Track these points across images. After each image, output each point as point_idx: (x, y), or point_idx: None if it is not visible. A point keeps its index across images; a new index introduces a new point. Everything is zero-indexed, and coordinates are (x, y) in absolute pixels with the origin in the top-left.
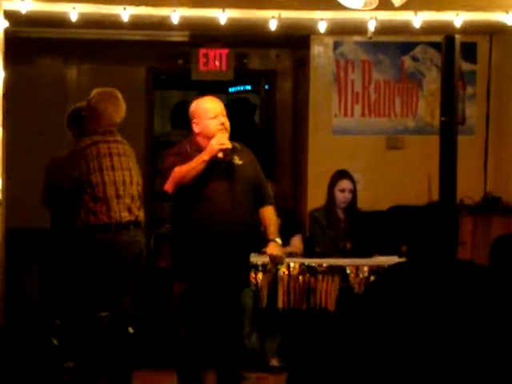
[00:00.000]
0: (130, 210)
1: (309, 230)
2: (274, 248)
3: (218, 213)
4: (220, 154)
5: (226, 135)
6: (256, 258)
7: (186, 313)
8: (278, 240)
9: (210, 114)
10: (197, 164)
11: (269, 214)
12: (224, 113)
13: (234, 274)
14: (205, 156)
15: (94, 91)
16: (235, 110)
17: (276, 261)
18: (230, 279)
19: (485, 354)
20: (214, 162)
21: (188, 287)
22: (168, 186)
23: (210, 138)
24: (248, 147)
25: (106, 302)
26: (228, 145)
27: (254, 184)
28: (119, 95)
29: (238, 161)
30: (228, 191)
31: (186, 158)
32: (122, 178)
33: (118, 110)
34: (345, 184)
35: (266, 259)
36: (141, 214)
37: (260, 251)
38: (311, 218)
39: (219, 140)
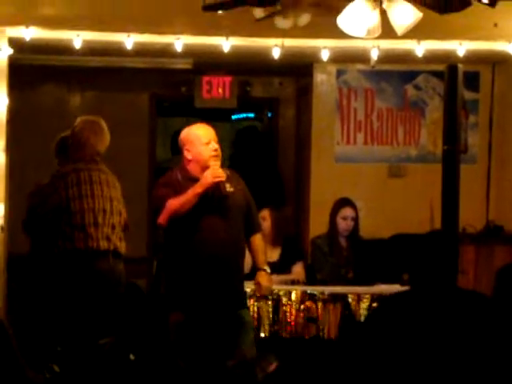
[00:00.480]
0: (108, 239)
1: (311, 258)
2: (262, 279)
3: (211, 241)
4: (219, 190)
5: (219, 163)
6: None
7: (182, 342)
8: (267, 269)
9: (203, 140)
10: (190, 197)
11: (258, 242)
12: (216, 139)
13: (228, 296)
14: (198, 189)
15: (79, 119)
16: (244, 138)
17: (262, 292)
18: (225, 301)
19: (486, 382)
20: (211, 194)
21: (183, 317)
22: (162, 220)
23: (202, 164)
24: (242, 172)
25: (81, 330)
26: (223, 177)
27: (244, 211)
28: (103, 124)
29: (229, 188)
30: (220, 219)
31: (176, 187)
32: (102, 206)
33: (102, 139)
34: (347, 212)
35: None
36: (121, 245)
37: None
38: (313, 246)
39: (213, 173)
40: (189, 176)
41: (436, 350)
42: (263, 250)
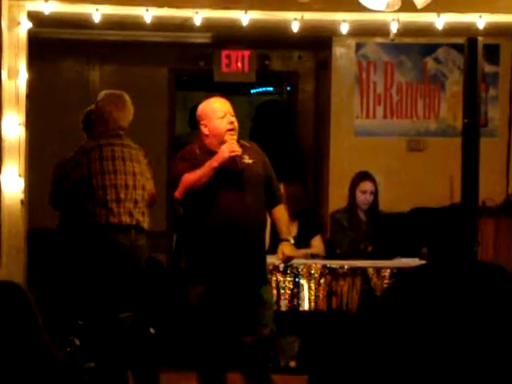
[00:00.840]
0: (131, 215)
1: (330, 232)
2: (285, 248)
3: (229, 215)
4: (235, 164)
5: (235, 137)
6: (276, 259)
7: (203, 316)
8: (291, 239)
9: (218, 114)
10: (207, 171)
11: (280, 213)
12: (232, 112)
13: (249, 272)
14: (215, 163)
15: (102, 93)
16: (265, 112)
17: (286, 261)
18: (246, 278)
19: (507, 356)
20: (224, 166)
21: (203, 291)
22: (178, 194)
23: (219, 138)
24: (262, 146)
25: (102, 304)
26: (239, 151)
27: (264, 183)
28: (126, 98)
29: (247, 160)
30: (238, 192)
31: (194, 161)
32: (125, 182)
33: (124, 114)
34: (366, 185)
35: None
36: (144, 219)
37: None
38: (332, 220)
39: (230, 147)
40: (206, 149)
41: (455, 323)
42: (286, 221)
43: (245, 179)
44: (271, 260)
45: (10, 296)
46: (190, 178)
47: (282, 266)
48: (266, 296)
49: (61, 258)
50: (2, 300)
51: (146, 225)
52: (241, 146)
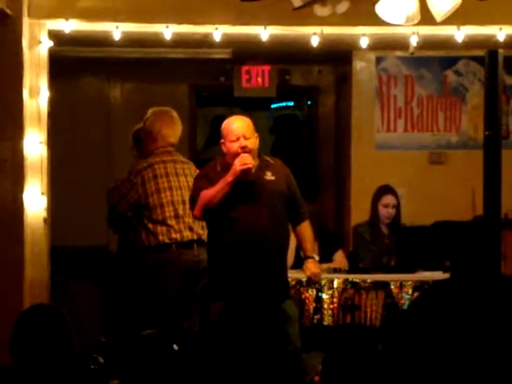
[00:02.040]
0: (191, 229)
1: (353, 246)
2: (311, 266)
3: (249, 231)
4: (246, 176)
5: (249, 156)
6: (298, 274)
7: (225, 332)
8: (316, 257)
9: (231, 137)
10: (222, 187)
11: (304, 230)
12: (248, 134)
13: (269, 287)
14: (229, 178)
15: (150, 111)
16: (283, 125)
17: (313, 279)
18: (267, 293)
19: None
20: (243, 181)
21: (223, 307)
22: (196, 211)
23: (232, 159)
24: (283, 161)
25: (154, 319)
26: (250, 164)
27: (287, 199)
28: (174, 114)
29: (270, 176)
30: (259, 209)
31: (214, 178)
32: (181, 198)
33: (174, 130)
34: (388, 199)
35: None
36: (204, 232)
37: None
38: (355, 233)
39: (241, 160)
40: (227, 166)
41: (481, 338)
42: (310, 238)
43: (265, 195)
44: (294, 275)
45: (51, 319)
46: (206, 194)
47: (306, 282)
48: (289, 311)
49: (116, 276)
50: (43, 323)
51: (206, 238)
52: (264, 162)
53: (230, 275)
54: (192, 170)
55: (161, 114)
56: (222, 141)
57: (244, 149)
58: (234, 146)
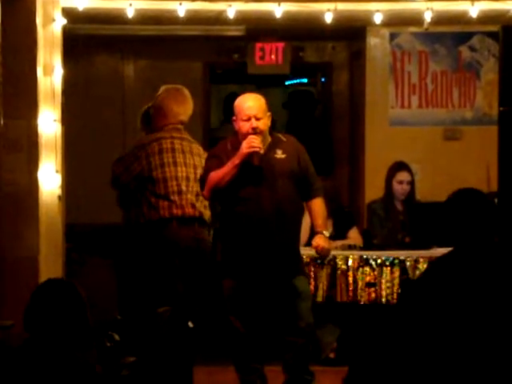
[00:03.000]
0: (193, 207)
1: (367, 222)
2: (319, 240)
3: (258, 211)
4: (252, 161)
5: (260, 139)
6: (313, 252)
7: (237, 309)
8: (325, 232)
9: (243, 117)
10: (229, 168)
11: (316, 206)
12: (260, 115)
13: (281, 263)
14: (236, 160)
15: (163, 88)
16: (296, 101)
17: (321, 253)
18: (278, 269)
19: None
20: (251, 161)
21: (235, 285)
22: (206, 192)
23: (242, 137)
24: (296, 138)
25: (165, 296)
26: (257, 148)
27: (298, 176)
28: (186, 92)
29: (280, 155)
30: (267, 188)
31: (224, 158)
32: (186, 174)
33: (185, 108)
34: (403, 176)
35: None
36: (206, 212)
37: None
38: (369, 210)
39: (249, 143)
40: (237, 146)
41: (491, 309)
42: (322, 214)
43: (275, 173)
44: (308, 252)
45: (66, 293)
46: (214, 176)
47: (317, 259)
48: (300, 287)
49: (125, 253)
50: (56, 297)
51: (207, 218)
52: (275, 139)
53: (239, 253)
54: (200, 150)
55: (173, 92)
56: (234, 118)
57: (255, 130)
58: (246, 126)
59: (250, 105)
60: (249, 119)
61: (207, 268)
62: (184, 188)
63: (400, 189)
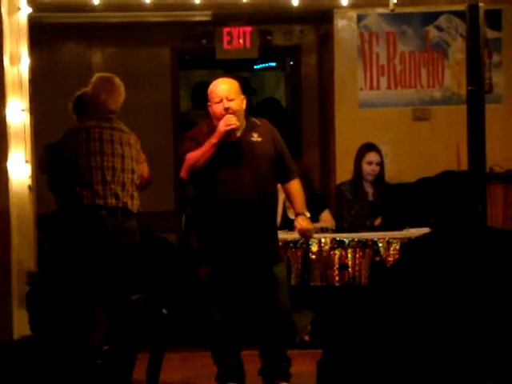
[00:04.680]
0: (117, 197)
1: (335, 205)
2: (302, 221)
3: (237, 193)
4: (238, 134)
5: (235, 118)
6: (286, 235)
7: (214, 295)
8: (307, 213)
9: (216, 99)
10: (207, 148)
11: (294, 188)
12: (231, 96)
13: (259, 250)
14: (213, 139)
15: (95, 75)
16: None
17: (305, 234)
18: (256, 256)
19: None
20: (228, 143)
21: (212, 270)
22: (183, 173)
23: (218, 121)
24: (270, 122)
25: (94, 286)
26: (234, 125)
27: (274, 159)
28: (116, 81)
29: (256, 138)
30: (245, 171)
31: (201, 140)
32: (112, 164)
33: (113, 97)
34: (372, 156)
35: (296, 235)
36: (133, 202)
37: (289, 228)
38: (337, 192)
39: (226, 121)
40: (213, 129)
41: (466, 290)
42: (301, 195)
43: (251, 156)
44: (281, 236)
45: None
46: (192, 156)
47: (300, 241)
48: (278, 274)
49: (58, 241)
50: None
51: (135, 208)
52: (250, 123)
53: (217, 238)
54: (131, 140)
55: (102, 80)
56: (209, 103)
57: (227, 110)
58: (219, 108)
59: (222, 87)
60: (221, 101)
61: (131, 256)
62: (109, 178)
63: (369, 169)
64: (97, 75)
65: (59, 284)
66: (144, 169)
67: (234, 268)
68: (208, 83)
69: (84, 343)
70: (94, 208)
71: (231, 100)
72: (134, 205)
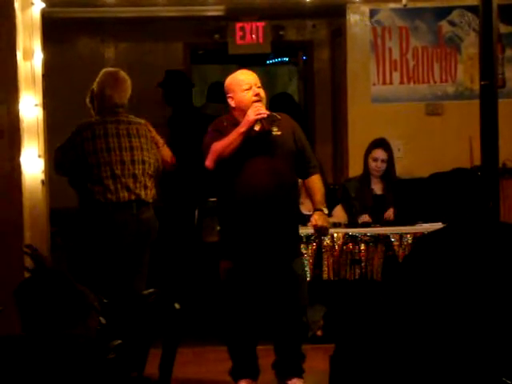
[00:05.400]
0: (128, 189)
1: (340, 200)
2: (318, 218)
3: (259, 186)
4: (257, 127)
5: (262, 105)
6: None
7: (234, 290)
8: (324, 209)
9: (244, 86)
10: (235, 137)
11: (314, 183)
12: (259, 83)
13: (281, 245)
14: (242, 128)
15: (102, 71)
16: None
17: (321, 231)
18: (278, 251)
19: None
20: (252, 135)
21: (232, 265)
22: (209, 162)
23: (245, 109)
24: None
25: (111, 281)
26: (265, 113)
27: (295, 154)
28: (121, 75)
29: (276, 131)
30: (268, 163)
31: (223, 132)
32: (120, 158)
33: (118, 91)
34: (378, 153)
35: (310, 230)
36: (146, 193)
37: (302, 223)
38: (341, 188)
39: (255, 110)
40: (234, 122)
41: (477, 283)
42: (320, 190)
43: (274, 150)
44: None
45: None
46: (219, 145)
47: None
48: (298, 270)
49: (79, 236)
50: (49, 287)
51: (149, 198)
52: (270, 117)
53: (239, 233)
54: (141, 130)
55: (107, 75)
56: (230, 95)
57: (258, 96)
58: (248, 95)
59: (248, 75)
60: (250, 88)
61: (153, 245)
62: (118, 172)
63: (375, 166)
64: (102, 70)
65: (50, 280)
66: (165, 153)
67: (255, 263)
68: (222, 83)
69: (78, 331)
70: (107, 203)
71: (259, 88)
72: (149, 195)
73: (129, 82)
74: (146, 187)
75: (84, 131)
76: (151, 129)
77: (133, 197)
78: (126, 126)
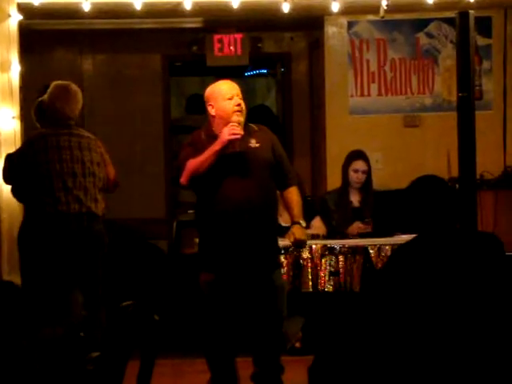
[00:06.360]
0: (80, 202)
1: (319, 213)
2: (296, 231)
3: (234, 200)
4: (234, 147)
5: (242, 119)
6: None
7: (214, 302)
8: (302, 222)
9: (226, 95)
10: (209, 155)
11: (291, 195)
12: (240, 95)
13: (259, 257)
14: (216, 146)
15: (52, 84)
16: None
17: (297, 244)
18: (258, 262)
19: (503, 323)
20: (227, 151)
21: (212, 278)
22: (183, 179)
23: (226, 119)
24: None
25: (59, 291)
26: (239, 135)
27: (273, 165)
28: (72, 89)
29: (254, 144)
30: (244, 178)
31: (199, 146)
32: (72, 170)
33: (69, 104)
34: (358, 165)
35: (287, 242)
36: (97, 205)
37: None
38: (321, 202)
39: (230, 130)
40: (212, 134)
41: (453, 292)
42: (298, 203)
43: (250, 163)
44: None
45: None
46: (193, 163)
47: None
48: (277, 281)
49: (27, 249)
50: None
51: (99, 211)
52: (248, 129)
53: (218, 246)
54: (91, 144)
55: (58, 89)
56: (211, 103)
57: (239, 107)
58: (229, 105)
59: (230, 85)
60: (232, 97)
61: (103, 257)
62: (70, 184)
63: (355, 177)
64: (53, 83)
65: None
66: (109, 171)
67: (236, 275)
68: (201, 95)
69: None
70: (58, 215)
71: (241, 99)
72: (99, 208)
73: (80, 95)
74: (96, 200)
75: (36, 142)
76: (100, 145)
77: (83, 209)
78: (78, 139)
